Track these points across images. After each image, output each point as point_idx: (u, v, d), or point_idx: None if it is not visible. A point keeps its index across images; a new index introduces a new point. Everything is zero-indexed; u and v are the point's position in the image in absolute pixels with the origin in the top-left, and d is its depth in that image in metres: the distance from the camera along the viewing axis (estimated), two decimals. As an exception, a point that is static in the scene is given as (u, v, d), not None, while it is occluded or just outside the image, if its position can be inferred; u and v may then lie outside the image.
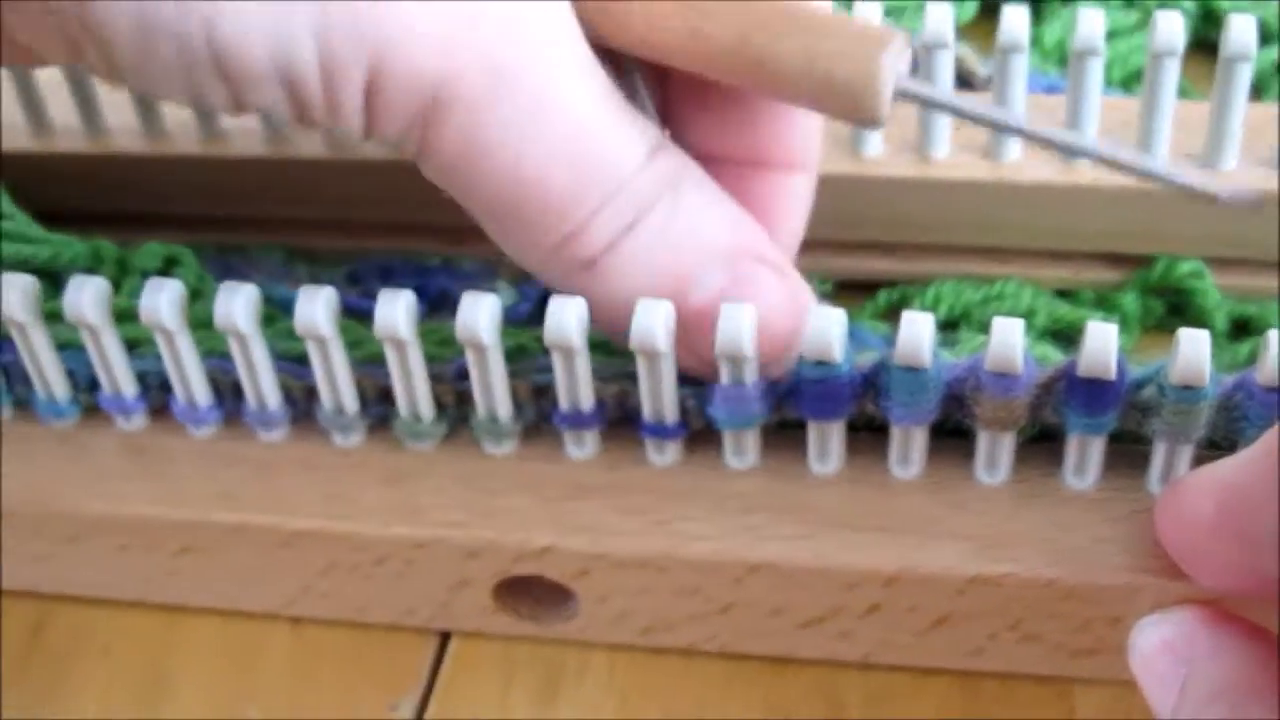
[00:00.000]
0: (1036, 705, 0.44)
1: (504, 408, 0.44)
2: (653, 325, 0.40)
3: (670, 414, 0.43)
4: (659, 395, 0.42)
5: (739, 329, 0.40)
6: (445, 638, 0.47)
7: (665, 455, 0.44)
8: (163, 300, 0.42)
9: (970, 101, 0.42)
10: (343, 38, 0.37)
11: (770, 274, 0.42)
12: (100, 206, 0.55)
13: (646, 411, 0.43)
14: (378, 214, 0.50)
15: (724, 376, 0.41)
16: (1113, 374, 0.40)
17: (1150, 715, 0.39)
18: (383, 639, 0.47)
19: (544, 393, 0.44)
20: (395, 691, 0.46)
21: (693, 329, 0.41)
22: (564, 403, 0.43)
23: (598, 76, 0.41)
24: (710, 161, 0.43)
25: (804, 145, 0.45)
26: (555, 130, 0.40)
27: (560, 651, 0.46)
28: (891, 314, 0.52)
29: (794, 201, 0.45)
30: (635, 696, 0.45)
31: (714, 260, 0.42)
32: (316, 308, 0.42)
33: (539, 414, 0.45)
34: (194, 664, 0.47)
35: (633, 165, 0.41)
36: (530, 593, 0.45)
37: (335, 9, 0.37)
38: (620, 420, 0.44)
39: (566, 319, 0.41)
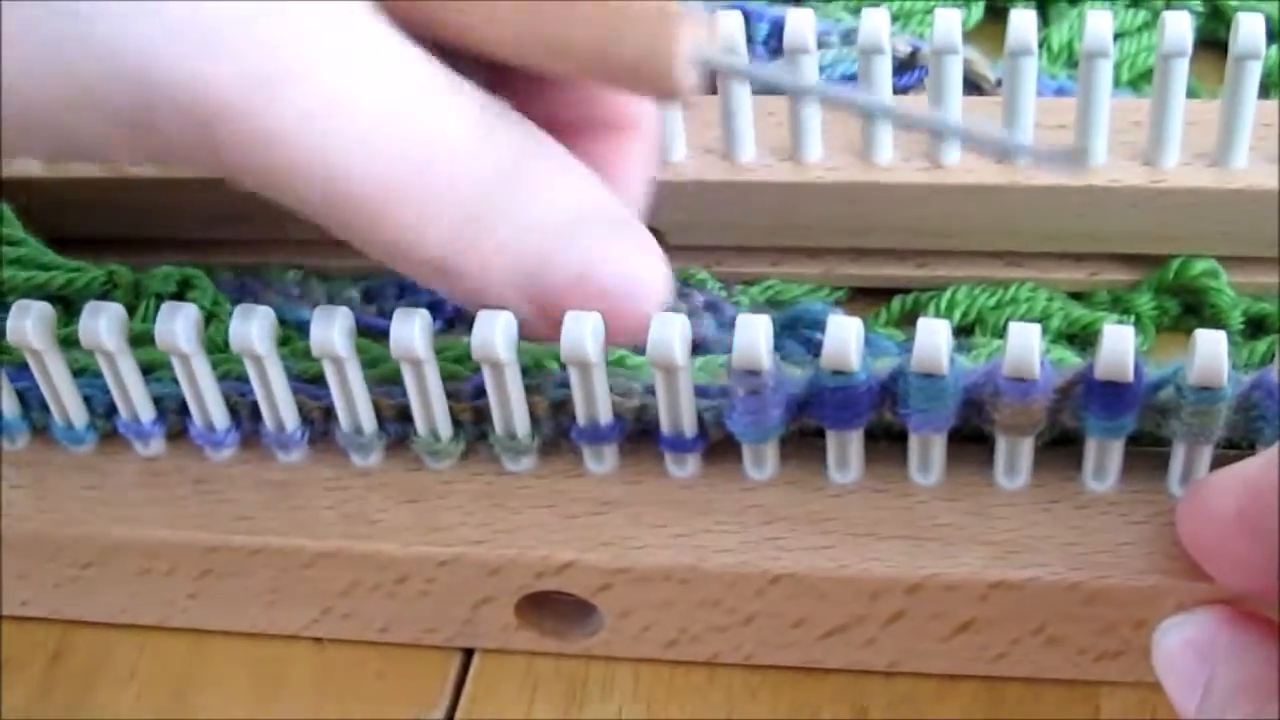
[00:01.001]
0: (1061, 708, 0.44)
1: (522, 424, 0.44)
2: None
3: (689, 427, 0.43)
4: (677, 408, 0.42)
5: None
6: (468, 654, 0.47)
7: (685, 468, 0.44)
8: (179, 325, 0.42)
9: (776, 71, 0.42)
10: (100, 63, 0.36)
11: (622, 237, 0.42)
12: (112, 231, 0.55)
13: (665, 425, 0.43)
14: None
15: (739, 389, 0.41)
16: (1130, 376, 0.40)
17: (1175, 716, 0.39)
18: (406, 656, 0.47)
19: (562, 407, 0.44)
20: (420, 708, 0.46)
21: (553, 306, 0.41)
22: (582, 418, 0.43)
23: (410, 62, 0.39)
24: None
25: (633, 105, 0.44)
26: (355, 124, 0.38)
27: (584, 664, 0.46)
28: (906, 320, 0.52)
29: (632, 164, 0.45)
30: (660, 707, 0.45)
31: (566, 233, 0.41)
32: (332, 328, 0.42)
33: (557, 429, 0.45)
34: (218, 686, 0.47)
35: (465, 149, 0.39)
36: (553, 608, 0.45)
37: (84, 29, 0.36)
38: (639, 434, 0.44)
39: (583, 334, 0.41)
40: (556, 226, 0.41)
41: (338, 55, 0.37)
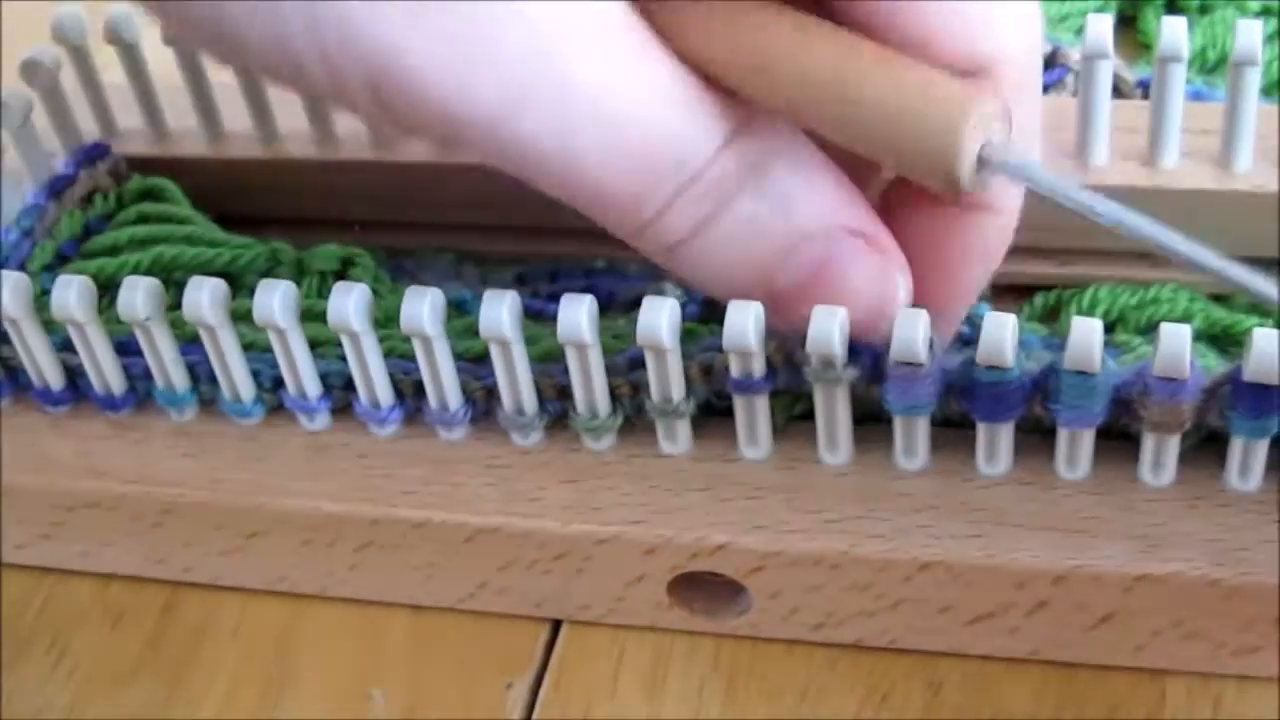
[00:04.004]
0: (1129, 692, 0.45)
1: (678, 390, 0.45)
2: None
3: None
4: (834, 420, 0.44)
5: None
6: (557, 624, 0.48)
7: (837, 455, 0.45)
8: (351, 304, 0.44)
9: (1064, 185, 0.39)
10: (342, 56, 0.37)
11: (861, 250, 0.42)
12: (273, 211, 0.56)
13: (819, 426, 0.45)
14: (545, 218, 0.52)
15: (894, 370, 0.42)
16: (1278, 379, 0.40)
17: (1238, 705, 0.42)
18: (497, 624, 0.48)
19: (711, 371, 0.45)
20: (510, 672, 0.47)
21: (781, 310, 0.42)
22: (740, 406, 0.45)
23: (657, 64, 0.39)
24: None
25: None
26: (601, 131, 0.39)
27: (669, 637, 0.47)
28: (1049, 317, 0.53)
29: (978, 243, 0.44)
30: (742, 679, 0.46)
31: (802, 242, 0.41)
32: (502, 311, 0.43)
33: (709, 413, 0.46)
34: (317, 646, 0.49)
35: (704, 153, 0.40)
36: (703, 589, 0.46)
37: (332, 21, 0.36)
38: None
39: (745, 323, 0.42)
40: (793, 234, 0.41)
41: (592, 62, 0.38)
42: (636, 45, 0.39)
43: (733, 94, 0.40)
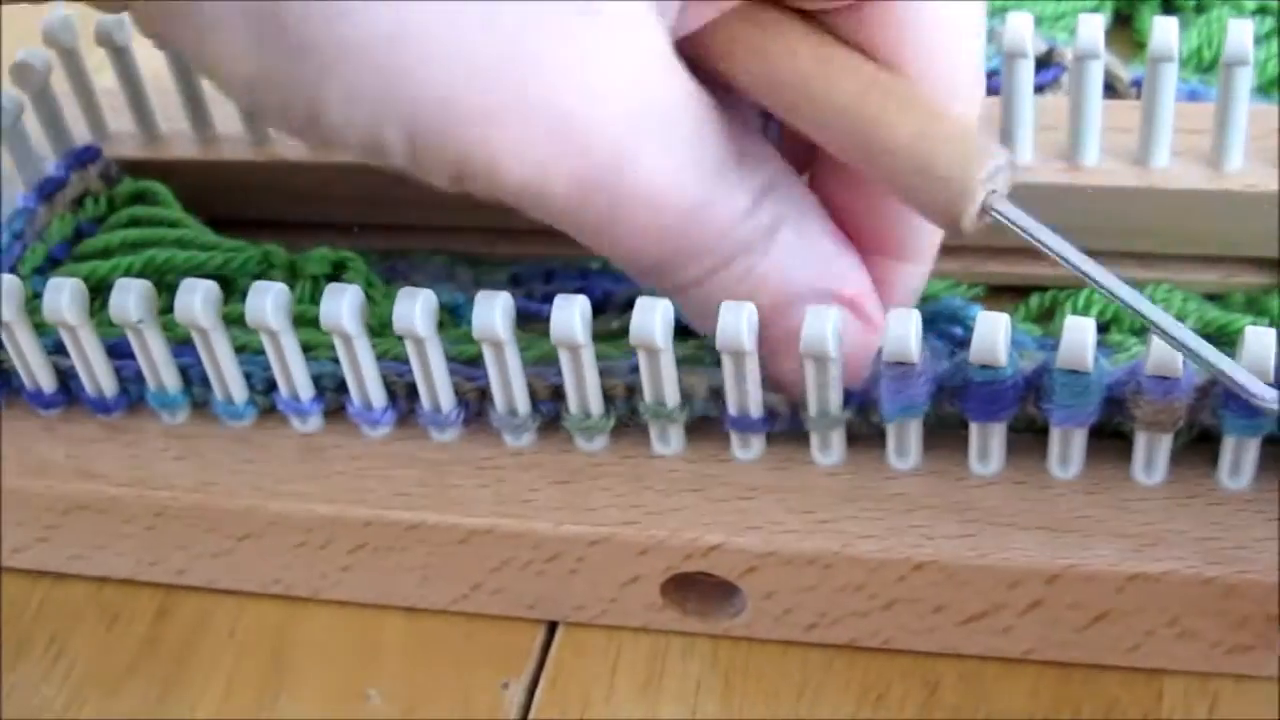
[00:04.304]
0: (1125, 691, 0.45)
1: (672, 395, 0.45)
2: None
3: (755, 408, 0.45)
4: (825, 397, 0.44)
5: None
6: (553, 624, 0.48)
7: (830, 456, 0.45)
8: (344, 306, 0.44)
9: (1058, 242, 0.42)
10: (426, 141, 0.38)
11: (847, 317, 0.43)
12: (265, 214, 0.56)
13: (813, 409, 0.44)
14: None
15: (886, 371, 0.42)
16: (1272, 377, 0.40)
17: (1235, 704, 0.42)
18: (492, 625, 0.48)
19: (716, 395, 0.45)
20: (507, 672, 0.47)
21: (770, 355, 0.43)
22: (733, 407, 0.44)
23: (708, 142, 0.41)
24: None
25: (917, 238, 0.46)
26: (648, 214, 0.41)
27: (665, 637, 0.47)
28: (1043, 317, 0.53)
29: (898, 288, 0.46)
30: (738, 679, 0.46)
31: (794, 302, 0.43)
32: (494, 312, 0.43)
33: (703, 416, 0.46)
34: (313, 648, 0.49)
35: (732, 220, 0.42)
36: (697, 590, 0.46)
37: (425, 116, 0.38)
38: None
39: (739, 326, 0.42)
40: (787, 293, 0.43)
41: (656, 158, 0.40)
42: (692, 129, 0.41)
43: (764, 156, 0.43)
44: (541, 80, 0.38)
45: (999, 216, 0.40)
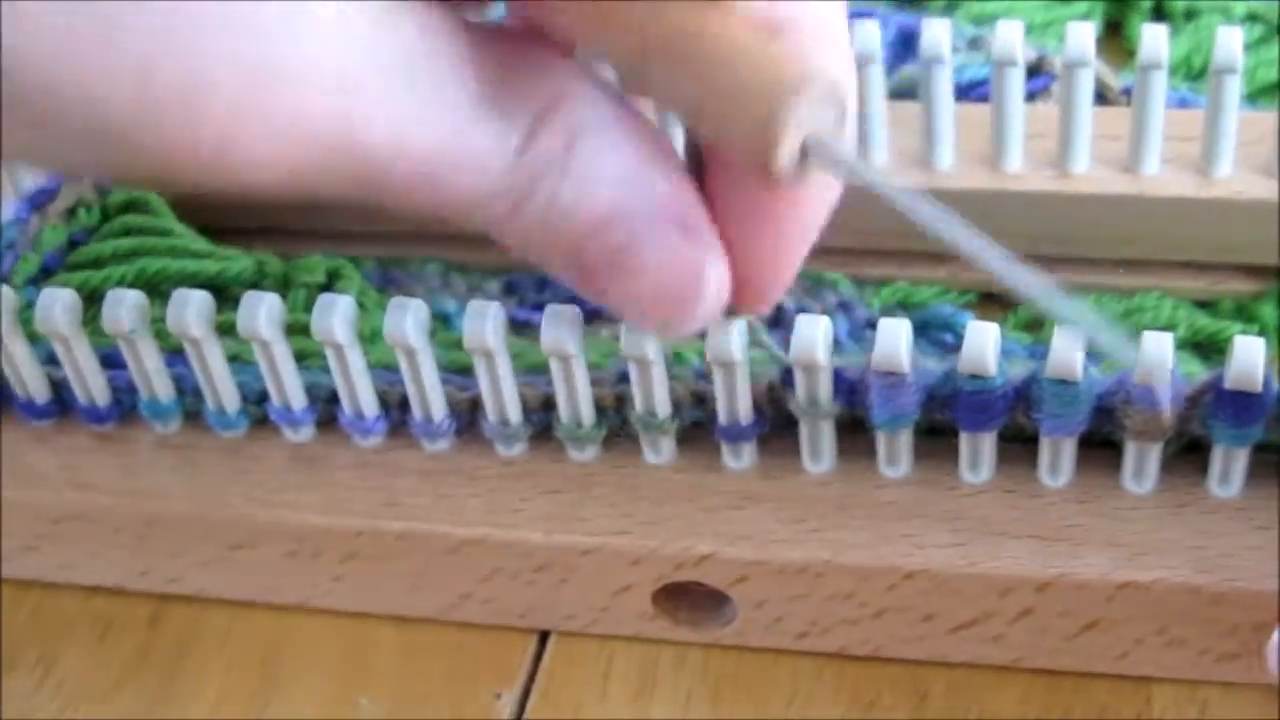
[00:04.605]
0: (1115, 699, 0.45)
1: (662, 406, 0.45)
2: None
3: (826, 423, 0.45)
4: (816, 401, 0.44)
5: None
6: (545, 635, 0.48)
7: (820, 465, 0.45)
8: (335, 317, 0.44)
9: (884, 181, 0.35)
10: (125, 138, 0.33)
11: (666, 234, 0.40)
12: (258, 223, 0.56)
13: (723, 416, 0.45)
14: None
15: (876, 380, 0.42)
16: (1260, 386, 0.41)
17: (1224, 711, 0.42)
18: (485, 635, 0.48)
19: (702, 402, 0.46)
20: (499, 681, 0.47)
21: (591, 278, 0.40)
22: (723, 416, 0.45)
23: (453, 87, 0.37)
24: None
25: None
26: (400, 171, 0.37)
27: (656, 646, 0.47)
28: (1033, 325, 0.53)
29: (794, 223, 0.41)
30: (729, 688, 0.46)
31: (610, 217, 0.39)
32: (486, 323, 0.43)
33: (694, 425, 0.46)
34: (304, 657, 0.49)
35: (511, 149, 0.38)
36: (688, 599, 0.46)
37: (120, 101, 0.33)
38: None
39: (729, 337, 0.42)
40: (595, 219, 0.39)
41: (393, 108, 0.37)
42: (429, 69, 0.37)
43: (545, 71, 0.39)
44: (240, 45, 0.34)
45: (823, 162, 0.34)
